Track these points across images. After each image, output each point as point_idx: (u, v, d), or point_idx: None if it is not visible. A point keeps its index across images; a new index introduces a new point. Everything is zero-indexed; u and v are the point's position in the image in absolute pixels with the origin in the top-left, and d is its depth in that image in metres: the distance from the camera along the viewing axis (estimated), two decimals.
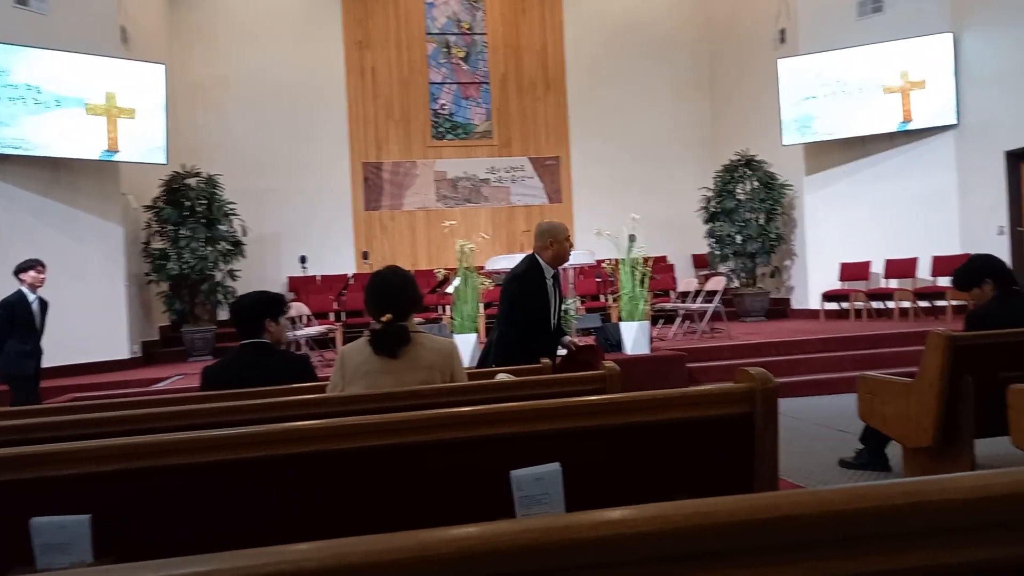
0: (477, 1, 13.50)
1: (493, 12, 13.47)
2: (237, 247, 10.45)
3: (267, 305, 3.05)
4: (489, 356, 3.93)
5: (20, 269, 5.97)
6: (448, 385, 2.46)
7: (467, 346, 6.98)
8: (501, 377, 2.55)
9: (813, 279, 10.87)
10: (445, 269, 7.98)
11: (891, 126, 10.23)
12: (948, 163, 10.03)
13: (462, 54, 13.50)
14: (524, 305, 3.80)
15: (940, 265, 9.67)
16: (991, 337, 3.56)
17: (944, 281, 9.49)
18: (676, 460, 1.63)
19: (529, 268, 3.87)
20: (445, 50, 13.47)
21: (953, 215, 10.02)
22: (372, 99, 13.06)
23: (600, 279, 10.24)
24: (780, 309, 11.41)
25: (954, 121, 9.88)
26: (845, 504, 0.58)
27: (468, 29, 13.52)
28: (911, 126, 10.13)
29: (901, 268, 10.03)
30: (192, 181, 10.30)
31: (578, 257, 8.11)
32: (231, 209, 10.43)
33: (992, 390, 3.32)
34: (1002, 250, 9.32)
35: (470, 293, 7.21)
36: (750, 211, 11.18)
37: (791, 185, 11.20)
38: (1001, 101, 9.27)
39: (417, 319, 2.76)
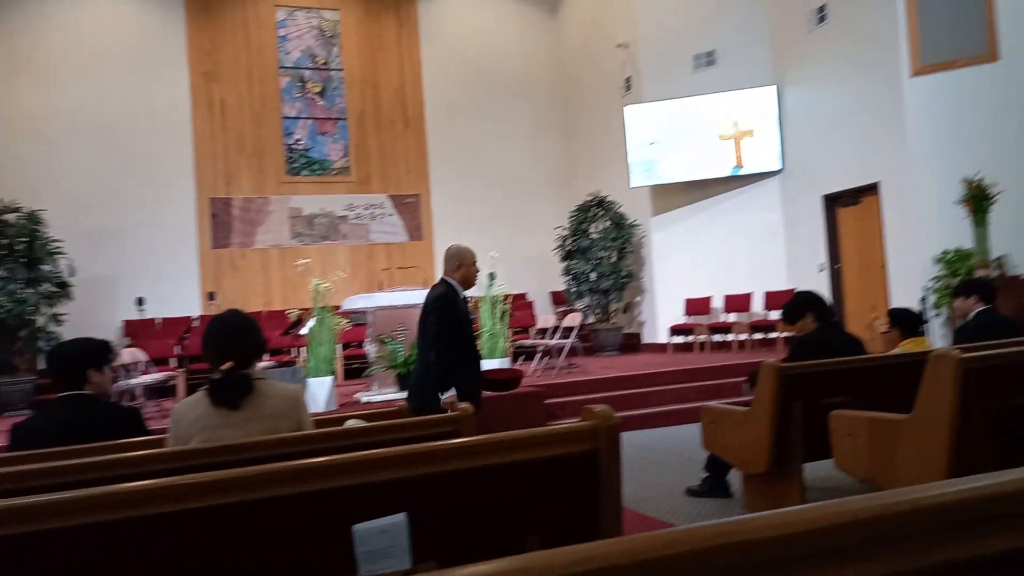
0: (332, 37, 13.36)
1: (349, 48, 13.38)
2: (63, 288, 9.54)
3: (88, 353, 2.77)
4: (423, 385, 3.89)
5: None
6: (294, 435, 2.33)
7: (323, 389, 6.72)
8: (351, 423, 2.45)
9: (661, 314, 11.48)
10: (299, 310, 7.68)
11: (726, 170, 11.10)
12: (775, 205, 11.00)
13: (318, 89, 13.27)
14: (452, 325, 3.87)
15: (771, 299, 10.51)
16: (815, 366, 3.88)
17: (775, 314, 10.32)
18: (526, 500, 1.62)
19: (447, 290, 3.94)
20: (300, 84, 13.19)
21: (781, 253, 10.97)
22: (221, 132, 12.50)
23: None
24: (632, 343, 11.93)
25: (779, 167, 10.88)
26: (653, 551, 0.58)
27: (323, 64, 13.33)
28: (743, 171, 11.04)
29: (738, 303, 10.82)
30: (11, 217, 9.33)
31: None
32: (56, 248, 9.54)
33: (817, 416, 3.61)
34: (822, 285, 10.30)
35: (326, 334, 6.97)
36: (603, 249, 11.67)
37: (639, 224, 11.83)
38: (819, 149, 10.32)
39: (268, 363, 2.62)
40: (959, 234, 8.09)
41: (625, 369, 8.82)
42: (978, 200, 7.81)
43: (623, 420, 5.58)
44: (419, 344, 4.10)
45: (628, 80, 12.08)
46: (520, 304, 12.04)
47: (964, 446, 2.78)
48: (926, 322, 7.49)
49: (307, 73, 13.22)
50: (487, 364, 7.31)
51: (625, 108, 11.50)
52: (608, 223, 11.79)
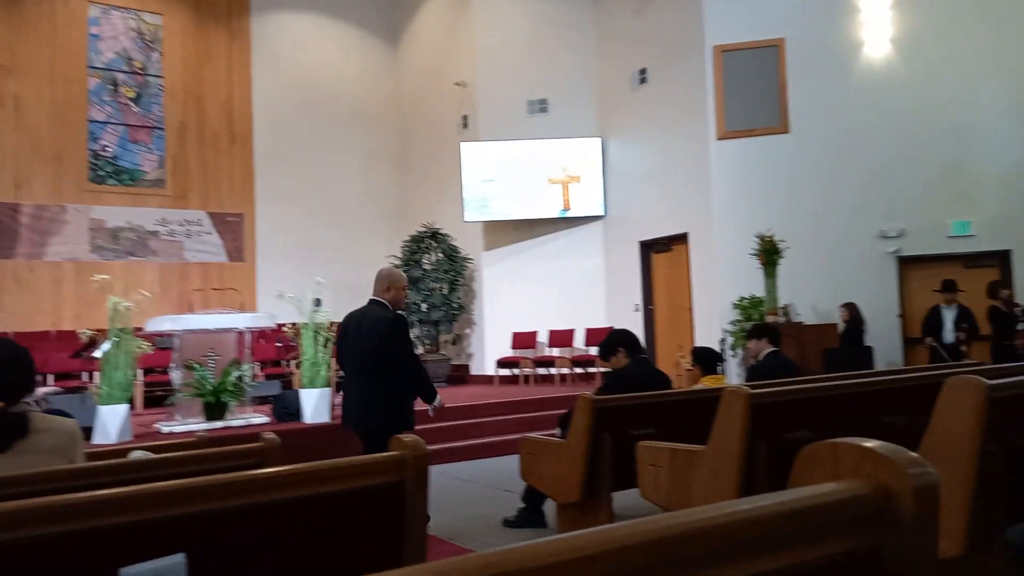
0: (153, 41, 12.46)
1: (172, 55, 12.53)
2: None
3: None
4: (384, 409, 4.04)
5: None
6: (65, 468, 2.05)
7: (116, 418, 6.07)
8: (135, 455, 2.21)
9: (489, 347, 11.64)
10: (92, 330, 6.92)
11: (554, 212, 11.58)
12: (597, 248, 11.62)
13: (132, 94, 12.27)
14: (409, 339, 4.06)
15: (591, 336, 11.02)
16: (625, 399, 4.09)
17: (595, 350, 10.83)
18: (327, 534, 1.53)
19: (394, 312, 4.08)
20: (112, 87, 12.12)
21: (601, 292, 11.57)
22: (13, 131, 11.16)
23: (281, 344, 9.77)
24: (460, 375, 11.97)
25: (602, 212, 11.53)
26: None
27: (141, 69, 12.36)
28: (570, 213, 11.57)
29: (561, 338, 11.23)
30: None
31: (258, 320, 7.66)
32: None
33: (627, 447, 3.78)
34: (637, 324, 10.96)
35: (123, 358, 6.32)
36: (435, 281, 11.68)
37: (472, 259, 11.98)
38: (637, 198, 11.07)
39: (53, 388, 2.31)
40: (753, 283, 8.97)
41: (450, 400, 8.79)
42: (769, 254, 8.72)
43: (445, 451, 5.55)
44: (358, 367, 4.06)
45: (465, 118, 12.32)
46: None
47: (750, 475, 3.03)
48: (724, 361, 8.18)
49: (121, 76, 12.19)
50: (307, 394, 7.00)
51: (462, 144, 11.70)
52: (441, 255, 11.84)
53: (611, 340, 4.67)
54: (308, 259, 12.49)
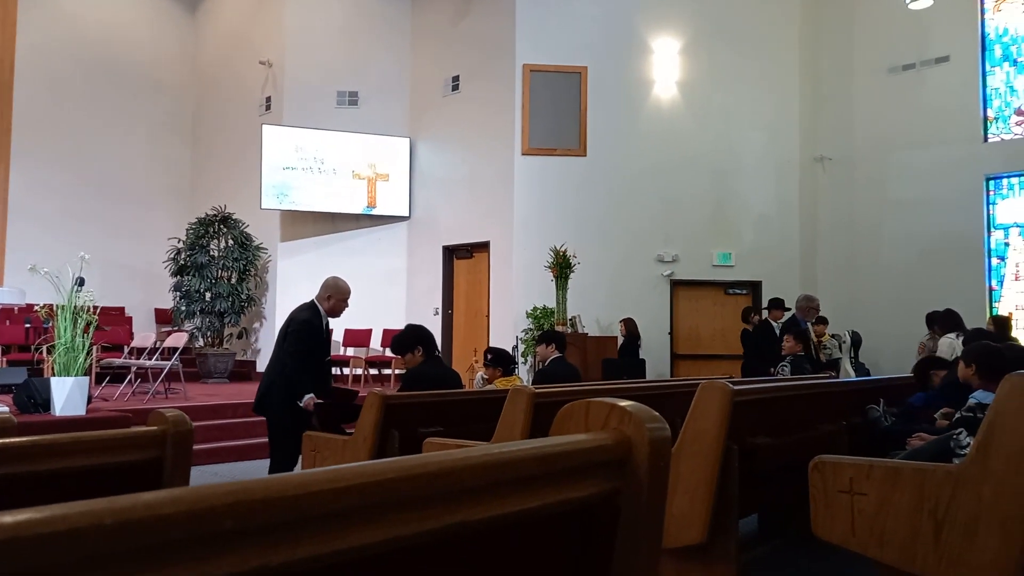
0: None
1: None
2: None
3: None
4: (271, 388, 4.38)
5: None
6: None
7: None
8: None
9: None
10: None
11: (358, 208, 11.36)
12: (401, 249, 11.57)
13: None
14: (305, 341, 4.32)
15: (389, 337, 10.92)
16: (416, 397, 4.10)
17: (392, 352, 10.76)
18: None
19: (312, 316, 4.43)
20: None
21: (402, 294, 11.52)
22: None
23: (31, 325, 8.60)
24: (246, 371, 11.29)
25: (407, 214, 11.51)
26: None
27: None
28: (375, 211, 11.42)
29: (358, 338, 11.01)
30: None
31: (3, 296, 6.68)
32: None
33: (414, 444, 3.79)
34: (436, 328, 11.05)
35: None
36: (223, 269, 10.94)
37: (266, 248, 11.38)
38: (443, 203, 11.19)
39: None
40: (546, 294, 9.44)
41: (231, 397, 8.26)
42: (562, 267, 9.24)
43: (221, 450, 5.18)
44: (274, 356, 4.53)
45: (269, 99, 11.72)
46: (115, 319, 10.54)
47: None
48: (516, 364, 8.51)
49: None
50: (59, 382, 6.24)
51: (264, 127, 11.10)
52: (231, 242, 11.11)
53: (408, 336, 4.67)
54: (75, 232, 11.12)
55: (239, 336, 11.32)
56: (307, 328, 4.37)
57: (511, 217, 10.19)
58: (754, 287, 10.40)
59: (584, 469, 0.73)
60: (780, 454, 3.39)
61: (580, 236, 9.76)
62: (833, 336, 8.82)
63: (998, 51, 9.52)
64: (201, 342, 10.86)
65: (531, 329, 9.52)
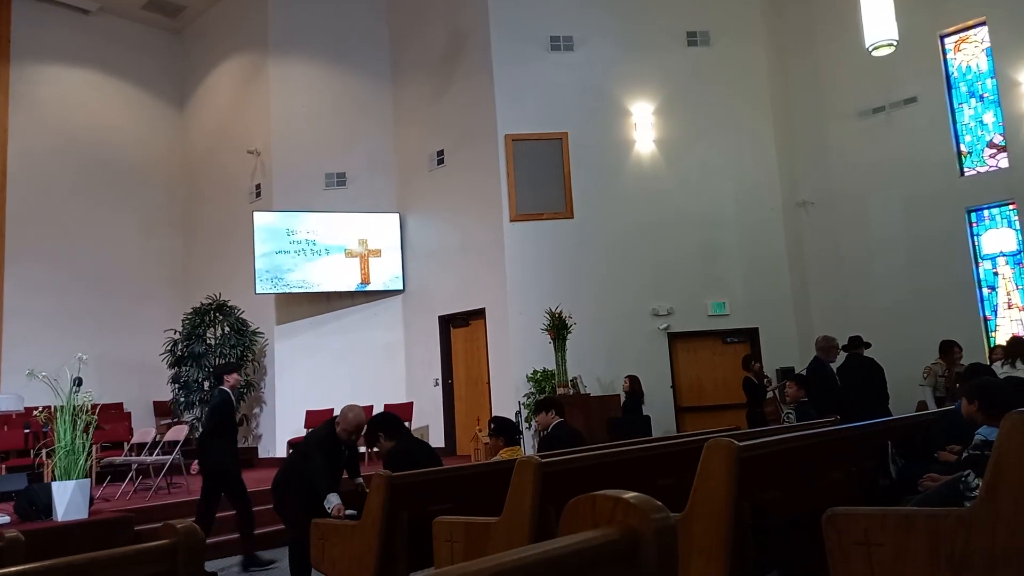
0: None
1: None
2: None
3: None
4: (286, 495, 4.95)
5: None
6: None
7: None
8: None
9: (281, 426, 11.01)
10: None
11: (352, 285, 11.44)
12: (397, 322, 11.60)
13: None
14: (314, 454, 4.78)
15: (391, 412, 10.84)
16: (422, 475, 4.06)
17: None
18: None
19: (327, 432, 4.92)
20: None
21: (401, 367, 11.49)
22: None
23: (30, 430, 8.52)
24: (248, 458, 11.12)
25: (401, 287, 11.59)
26: None
27: None
28: (369, 287, 11.50)
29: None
30: None
31: (2, 403, 6.65)
32: None
33: (423, 523, 3.74)
34: (437, 399, 11.00)
35: None
36: (221, 356, 10.92)
37: (263, 333, 11.40)
38: (436, 274, 11.29)
39: None
40: (545, 356, 9.44)
41: None
42: (559, 329, 9.26)
43: (226, 544, 5.10)
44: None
45: (258, 187, 11.94)
46: (114, 415, 10.45)
47: (540, 539, 3.13)
48: (520, 433, 8.44)
49: None
50: (60, 487, 6.15)
51: (254, 213, 11.27)
52: (227, 329, 11.13)
53: (370, 429, 4.85)
54: (70, 331, 11.15)
55: (239, 423, 11.20)
56: (314, 440, 4.97)
57: (504, 282, 10.27)
58: (751, 334, 10.43)
59: (595, 564, 0.75)
60: (792, 507, 3.36)
61: (574, 296, 9.82)
62: None
63: (963, 88, 9.84)
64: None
65: (533, 393, 9.48)
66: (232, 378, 6.45)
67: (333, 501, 4.42)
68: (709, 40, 10.89)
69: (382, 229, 11.59)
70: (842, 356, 7.23)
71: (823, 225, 10.65)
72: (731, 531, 2.75)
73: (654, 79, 10.76)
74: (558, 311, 9.27)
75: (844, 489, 3.87)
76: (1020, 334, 7.89)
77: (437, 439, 10.92)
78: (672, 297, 10.37)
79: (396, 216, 11.67)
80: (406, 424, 5.84)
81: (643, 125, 10.71)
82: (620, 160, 10.68)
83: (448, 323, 11.20)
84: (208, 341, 10.98)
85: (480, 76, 10.77)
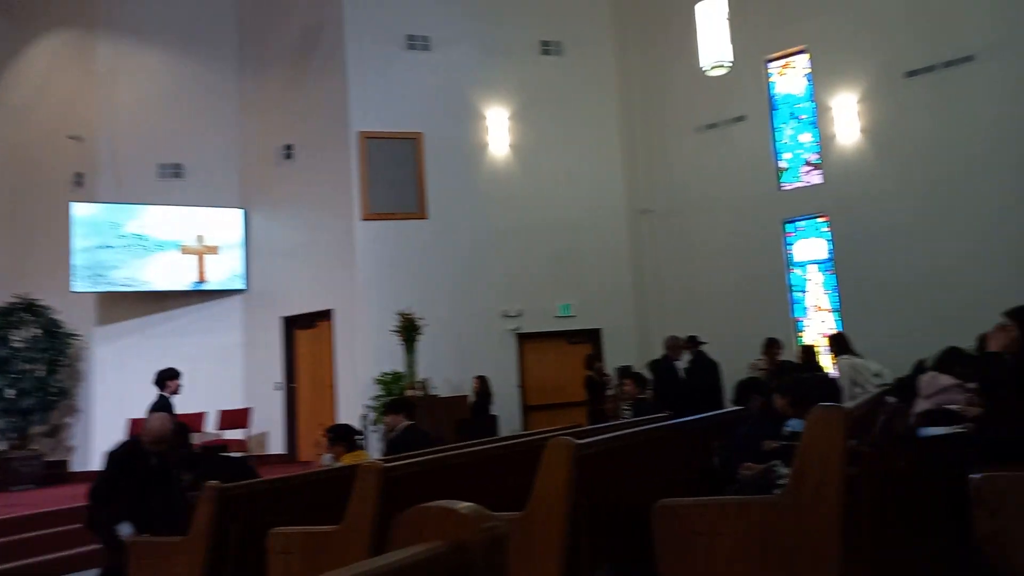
0: None
1: None
2: None
3: None
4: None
5: None
6: None
7: None
8: None
9: (99, 437, 10.02)
10: None
11: (187, 284, 10.69)
12: (237, 324, 10.98)
13: None
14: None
15: (227, 418, 10.24)
16: (255, 485, 3.85)
17: (231, 433, 10.08)
18: None
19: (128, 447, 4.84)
20: None
21: (239, 371, 10.88)
22: None
23: None
24: (58, 473, 10.07)
25: (243, 286, 10.98)
26: None
27: None
28: (206, 286, 10.79)
29: (191, 422, 10.19)
30: None
31: None
32: None
33: (258, 537, 3.54)
34: (277, 404, 10.53)
35: None
36: (28, 362, 9.81)
37: (79, 335, 10.36)
38: (281, 273, 10.79)
39: None
40: (395, 359, 9.30)
41: (42, 505, 7.33)
42: (409, 330, 9.17)
43: (29, 567, 4.59)
44: None
45: (80, 175, 10.85)
46: None
47: (380, 549, 3.05)
48: (364, 436, 8.25)
49: None
50: None
51: (72, 204, 10.22)
52: (38, 331, 10.02)
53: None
54: None
55: (49, 434, 10.13)
56: (112, 461, 4.76)
57: (354, 283, 10.01)
58: (594, 334, 10.86)
59: None
60: (627, 501, 3.51)
61: (426, 298, 9.76)
62: None
63: (785, 110, 10.81)
64: (3, 445, 9.59)
65: (382, 395, 9.31)
66: (175, 384, 6.81)
67: (125, 531, 4.24)
68: (562, 50, 11.23)
69: (223, 225, 10.92)
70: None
71: (662, 233, 11.29)
72: (567, 528, 2.84)
73: (509, 85, 10.94)
74: (409, 312, 9.18)
75: (676, 481, 4.10)
76: (829, 333, 8.69)
77: (277, 446, 10.46)
78: (522, 299, 10.58)
79: (239, 211, 11.05)
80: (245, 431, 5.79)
81: (498, 130, 10.85)
82: (475, 163, 10.76)
83: (292, 325, 10.75)
84: (14, 345, 9.83)
85: (334, 71, 10.44)
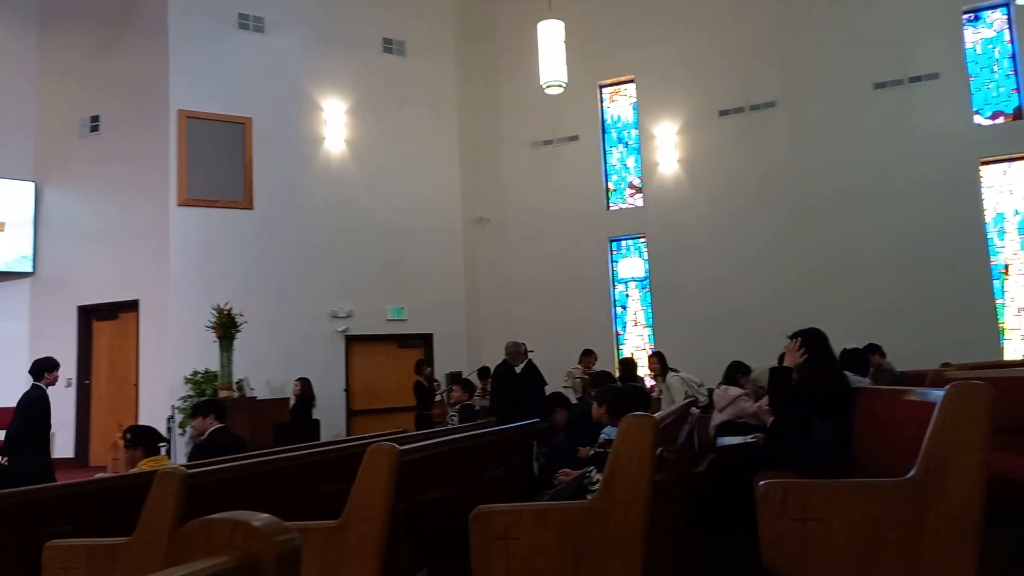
0: None
1: None
2: None
3: None
4: None
5: None
6: None
7: None
8: None
9: None
10: None
11: None
12: (22, 311, 9.75)
13: None
14: None
15: (4, 416, 9.02)
16: (32, 493, 3.41)
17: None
18: None
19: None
20: None
21: (23, 364, 9.62)
22: None
23: None
24: None
25: (31, 269, 9.77)
26: None
27: None
28: None
29: None
30: None
31: None
32: None
33: (34, 551, 3.13)
34: (69, 402, 9.46)
35: None
36: None
37: None
38: (80, 257, 9.73)
39: None
40: (209, 356, 8.68)
41: None
42: (226, 327, 8.60)
43: None
44: None
45: None
46: None
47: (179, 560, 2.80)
48: (168, 440, 7.62)
49: None
50: None
51: None
52: None
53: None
54: None
55: None
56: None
57: (166, 273, 9.24)
58: (427, 339, 10.82)
59: None
60: (448, 507, 3.50)
61: (248, 293, 9.22)
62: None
63: (614, 134, 11.42)
64: None
65: (191, 396, 8.66)
66: (53, 376, 6.45)
67: None
68: (405, 51, 11.11)
69: (10, 199, 9.67)
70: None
71: (496, 241, 11.50)
72: (386, 534, 2.79)
73: (348, 78, 10.65)
74: (227, 308, 8.61)
75: (497, 487, 4.16)
76: (651, 352, 9.22)
77: (65, 448, 9.39)
78: (353, 300, 10.31)
79: (31, 185, 9.83)
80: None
81: (335, 123, 10.52)
82: (309, 156, 10.35)
83: (90, 315, 9.72)
84: None
85: (153, 41, 9.60)
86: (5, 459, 6.45)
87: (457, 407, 6.91)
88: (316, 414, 9.15)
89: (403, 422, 8.97)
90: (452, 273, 11.14)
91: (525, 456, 4.40)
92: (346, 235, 10.31)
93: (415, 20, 11.25)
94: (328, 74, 10.52)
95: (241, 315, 8.68)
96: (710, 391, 6.09)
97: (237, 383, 8.66)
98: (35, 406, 6.28)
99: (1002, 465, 3.05)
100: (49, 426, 6.50)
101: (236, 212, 9.73)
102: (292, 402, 9.08)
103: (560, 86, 7.88)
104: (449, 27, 11.59)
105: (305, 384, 9.16)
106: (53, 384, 6.64)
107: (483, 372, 9.19)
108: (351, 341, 10.33)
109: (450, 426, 7.13)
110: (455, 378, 9.15)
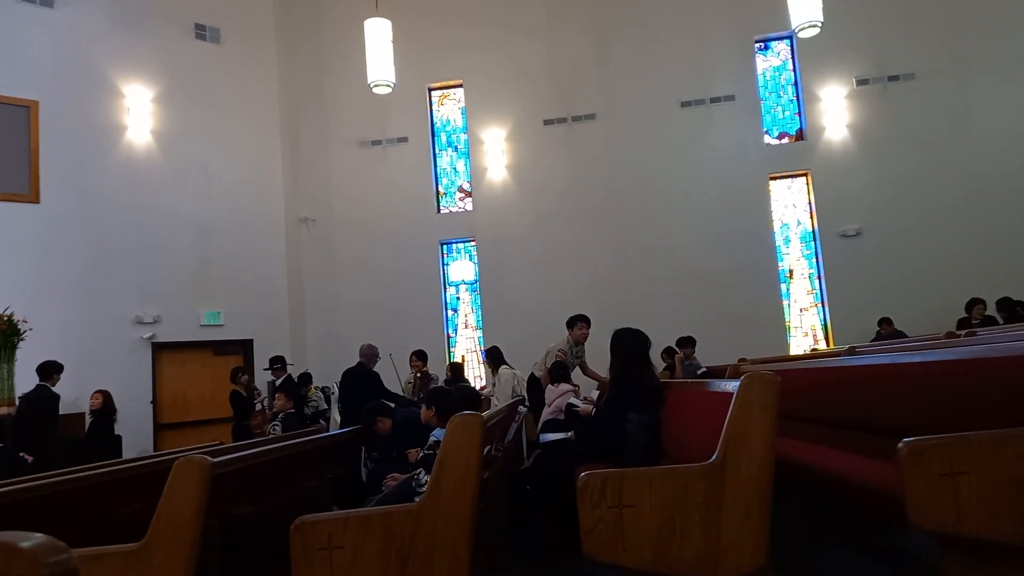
0: None
1: None
2: None
3: None
4: None
5: None
6: None
7: None
8: None
9: None
10: None
11: None
12: None
13: None
14: None
15: None
16: None
17: None
18: None
19: None
20: None
21: None
22: None
23: None
24: None
25: None
26: None
27: None
28: None
29: None
30: None
31: None
32: None
33: None
34: None
35: None
36: None
37: None
38: None
39: None
40: None
41: None
42: (7, 335, 7.59)
43: None
44: None
45: None
46: None
47: None
48: None
49: None
50: None
51: None
52: None
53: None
54: None
55: None
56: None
57: None
58: (246, 345, 10.22)
59: None
60: (266, 519, 3.32)
61: (34, 297, 8.22)
62: (321, 388, 9.18)
63: (444, 138, 11.47)
64: None
65: None
66: (58, 377, 6.73)
67: None
68: (220, 38, 10.44)
69: None
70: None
71: (322, 242, 11.12)
72: (197, 554, 2.58)
73: (155, 64, 9.82)
74: (7, 314, 7.61)
75: (322, 497, 4.00)
76: (487, 348, 9.32)
77: None
78: (160, 304, 9.51)
79: None
80: None
81: (139, 112, 9.65)
82: (107, 146, 9.41)
83: None
84: None
85: None
86: (31, 457, 6.30)
87: (280, 416, 6.56)
88: (118, 429, 8.31)
89: (220, 434, 8.41)
90: (274, 275, 10.61)
91: (351, 463, 4.28)
92: (151, 233, 9.49)
93: (231, 5, 10.61)
94: (131, 58, 9.64)
95: (25, 321, 7.70)
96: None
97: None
98: (56, 405, 6.76)
99: (783, 447, 3.41)
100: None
101: (19, 206, 8.64)
102: (89, 418, 8.19)
103: (388, 86, 7.78)
104: (270, 15, 11.04)
105: (106, 397, 8.29)
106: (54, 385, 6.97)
107: (304, 378, 8.82)
108: (159, 348, 9.52)
109: (271, 436, 6.77)
110: (305, 379, 8.76)
